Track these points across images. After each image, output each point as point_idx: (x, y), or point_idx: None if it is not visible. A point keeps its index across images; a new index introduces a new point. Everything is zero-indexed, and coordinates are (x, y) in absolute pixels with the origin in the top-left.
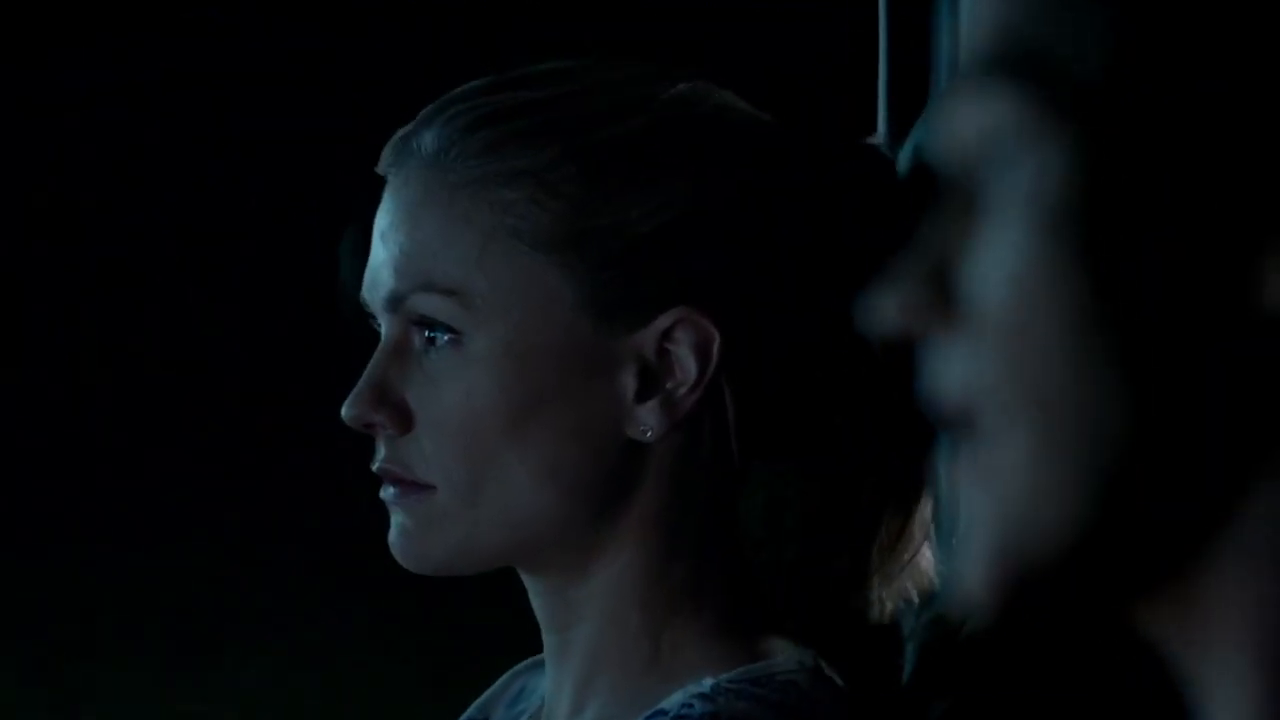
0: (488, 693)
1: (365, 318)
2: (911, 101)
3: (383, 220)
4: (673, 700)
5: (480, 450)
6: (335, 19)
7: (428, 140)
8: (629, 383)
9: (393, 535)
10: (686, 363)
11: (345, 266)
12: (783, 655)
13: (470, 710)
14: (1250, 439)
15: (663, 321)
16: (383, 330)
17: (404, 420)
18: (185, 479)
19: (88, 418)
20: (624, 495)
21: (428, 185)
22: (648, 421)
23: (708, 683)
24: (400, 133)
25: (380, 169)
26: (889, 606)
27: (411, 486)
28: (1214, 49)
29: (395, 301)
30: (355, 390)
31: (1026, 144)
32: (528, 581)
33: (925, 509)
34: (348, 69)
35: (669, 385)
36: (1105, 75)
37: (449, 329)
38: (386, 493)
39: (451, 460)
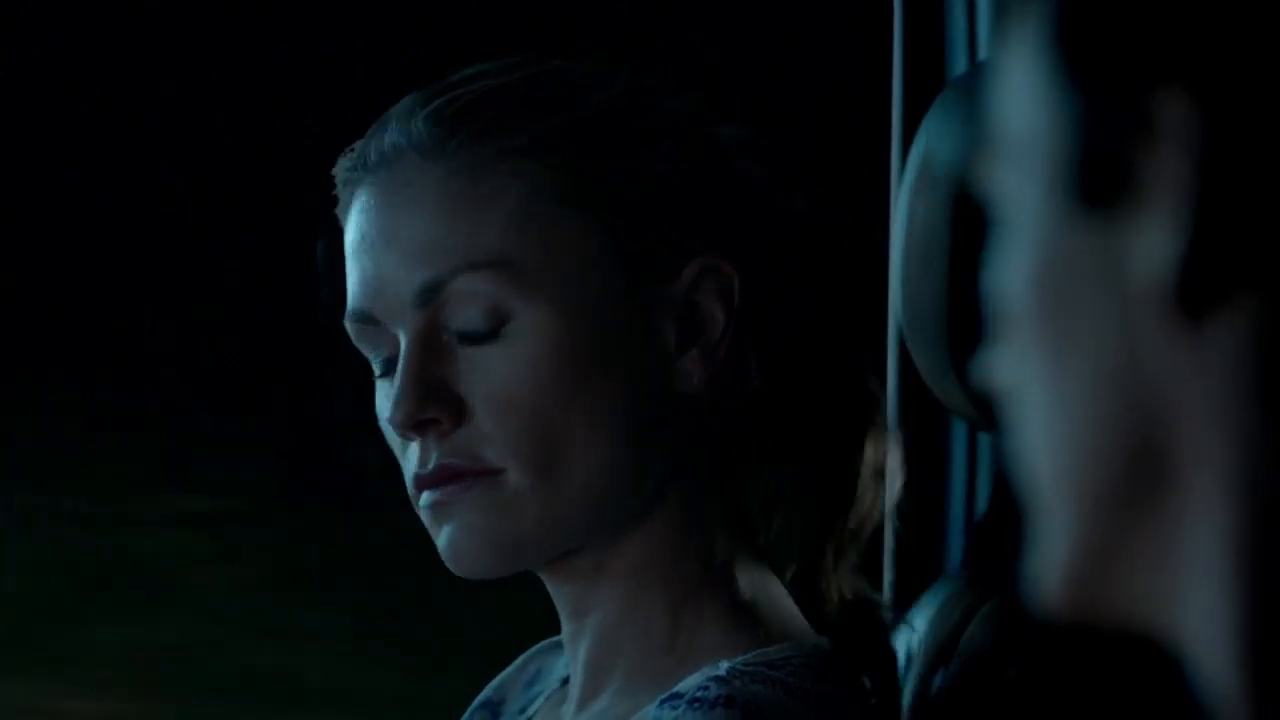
0: (504, 674)
1: (344, 330)
2: (926, 96)
3: (378, 224)
4: (688, 683)
5: (548, 420)
6: (335, 18)
7: (419, 135)
8: (669, 336)
9: (454, 539)
10: (715, 310)
11: (324, 282)
12: (797, 639)
13: (486, 691)
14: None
15: (690, 271)
16: (404, 330)
17: (458, 410)
18: (181, 477)
19: (86, 416)
20: (675, 453)
21: (434, 175)
22: (692, 371)
23: (724, 665)
24: (373, 140)
25: (356, 180)
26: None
27: (478, 476)
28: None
29: (432, 291)
30: (399, 391)
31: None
32: (548, 574)
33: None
34: (348, 68)
35: (704, 335)
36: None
37: (493, 306)
38: (439, 494)
39: (520, 435)
